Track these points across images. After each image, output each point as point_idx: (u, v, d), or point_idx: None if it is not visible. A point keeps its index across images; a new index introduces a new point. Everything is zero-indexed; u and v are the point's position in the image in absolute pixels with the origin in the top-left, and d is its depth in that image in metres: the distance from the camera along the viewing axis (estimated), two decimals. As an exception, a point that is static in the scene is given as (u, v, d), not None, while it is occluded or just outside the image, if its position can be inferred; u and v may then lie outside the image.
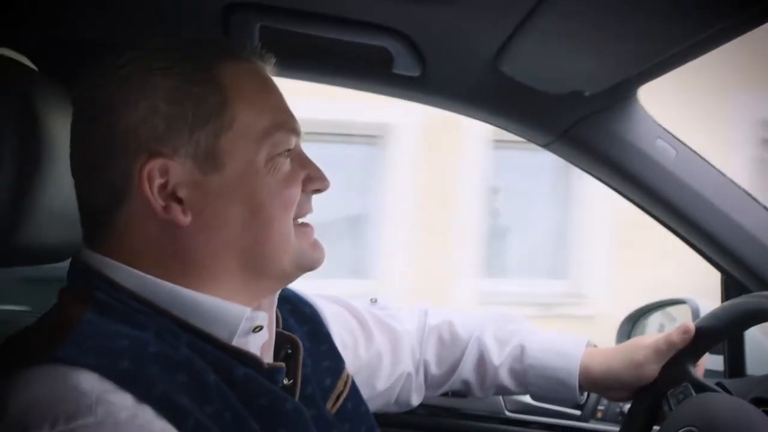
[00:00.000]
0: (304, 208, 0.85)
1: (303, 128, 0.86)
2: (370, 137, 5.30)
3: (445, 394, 1.40)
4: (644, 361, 1.10)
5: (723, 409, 0.98)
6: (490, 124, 1.30)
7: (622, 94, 1.18)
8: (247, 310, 0.78)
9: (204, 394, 0.70)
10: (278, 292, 0.88)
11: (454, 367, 1.20)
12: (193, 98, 0.76)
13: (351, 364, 1.03)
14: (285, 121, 0.82)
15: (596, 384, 1.15)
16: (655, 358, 1.10)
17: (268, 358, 0.85)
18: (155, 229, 0.77)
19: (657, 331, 1.62)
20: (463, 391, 1.24)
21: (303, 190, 0.84)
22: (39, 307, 0.83)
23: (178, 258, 0.77)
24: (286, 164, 0.82)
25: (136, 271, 0.76)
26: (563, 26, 0.95)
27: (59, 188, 0.93)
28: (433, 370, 1.21)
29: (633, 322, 1.68)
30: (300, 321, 0.99)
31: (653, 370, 1.10)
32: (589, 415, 1.50)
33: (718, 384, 1.10)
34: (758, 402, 1.19)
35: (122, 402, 0.64)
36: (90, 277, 0.77)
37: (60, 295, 0.79)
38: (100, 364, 0.66)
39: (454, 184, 5.32)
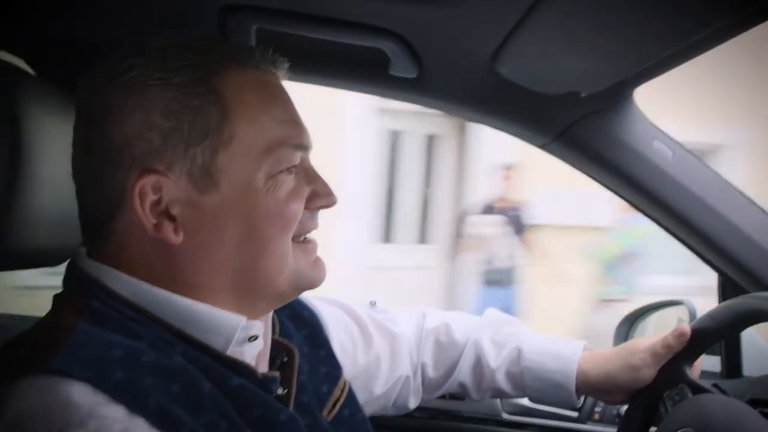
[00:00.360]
0: (307, 226, 0.83)
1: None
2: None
3: (443, 397, 1.40)
4: (641, 365, 1.10)
5: (719, 410, 0.98)
6: (487, 125, 1.30)
7: (618, 95, 1.18)
8: (243, 320, 0.77)
9: (199, 404, 0.69)
10: None
11: (451, 370, 1.20)
12: (191, 111, 0.74)
13: (349, 369, 1.03)
14: (290, 137, 0.79)
15: (593, 387, 1.15)
16: (653, 361, 1.10)
17: (263, 367, 0.85)
18: (148, 245, 0.76)
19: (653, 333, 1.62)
20: (459, 394, 1.24)
21: (307, 207, 0.81)
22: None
23: (170, 274, 0.76)
24: (288, 181, 0.79)
25: (133, 279, 0.75)
26: (559, 27, 0.95)
27: (55, 192, 0.92)
28: (431, 373, 1.21)
29: (630, 324, 1.68)
30: (298, 325, 0.98)
31: (650, 373, 1.10)
32: (586, 417, 1.51)
33: (715, 385, 1.10)
34: (755, 403, 1.19)
35: (115, 415, 0.63)
36: (86, 285, 0.76)
37: (55, 302, 0.78)
38: (93, 375, 0.65)
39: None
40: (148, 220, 0.74)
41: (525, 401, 1.52)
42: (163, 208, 0.75)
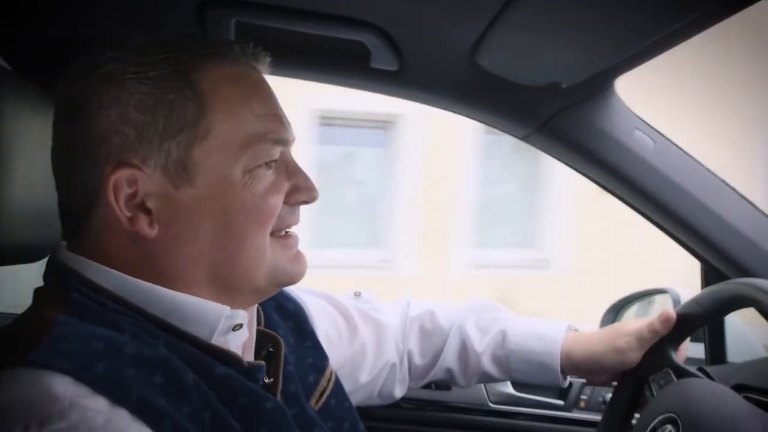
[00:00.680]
0: (287, 220, 0.82)
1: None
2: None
3: (429, 387, 1.41)
4: (626, 348, 1.11)
5: (703, 395, 0.99)
6: (469, 117, 1.30)
7: (599, 85, 1.18)
8: (227, 309, 0.78)
9: (182, 394, 0.69)
10: None
11: (437, 357, 1.21)
12: (167, 106, 0.74)
13: (335, 359, 1.03)
14: (269, 131, 0.79)
15: (578, 368, 1.17)
16: (638, 345, 1.11)
17: (249, 357, 0.85)
18: (124, 238, 0.76)
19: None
20: (446, 381, 1.25)
21: (287, 202, 0.81)
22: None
23: (148, 267, 0.76)
24: (267, 175, 0.79)
25: (114, 271, 0.75)
26: (539, 18, 0.95)
27: (33, 188, 0.92)
28: (417, 360, 1.22)
29: (616, 312, 1.69)
30: (284, 317, 0.99)
31: (636, 356, 1.12)
32: (572, 404, 1.52)
33: (700, 369, 1.11)
34: (739, 388, 1.20)
35: (97, 406, 0.64)
36: (66, 278, 0.76)
37: (35, 296, 0.78)
38: (75, 367, 0.65)
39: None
40: (123, 213, 0.74)
41: (511, 390, 1.53)
42: (139, 201, 0.75)
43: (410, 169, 6.54)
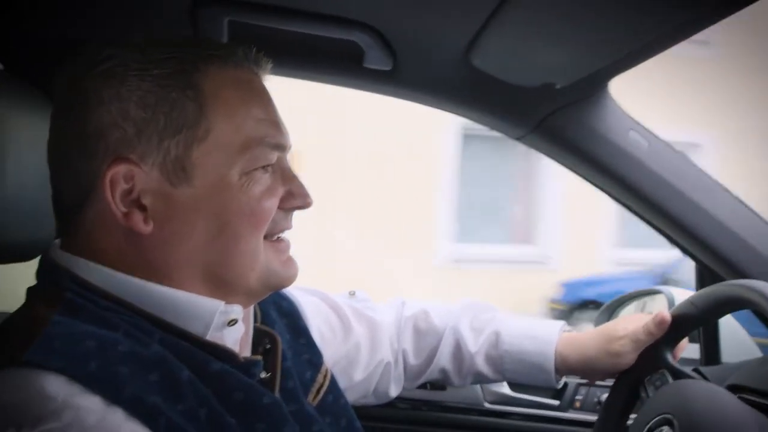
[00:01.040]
0: (280, 225, 0.83)
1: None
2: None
3: (424, 387, 1.41)
4: (621, 351, 1.11)
5: (699, 396, 0.99)
6: (463, 117, 1.30)
7: (593, 86, 1.18)
8: (221, 304, 0.78)
9: (177, 392, 0.69)
10: None
11: (432, 356, 1.21)
12: (168, 104, 0.74)
13: (329, 357, 1.03)
14: (267, 136, 0.79)
15: (572, 369, 1.17)
16: (633, 347, 1.11)
17: (246, 353, 0.85)
18: (119, 234, 0.76)
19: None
20: (441, 381, 1.25)
21: (281, 207, 0.82)
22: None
23: (142, 264, 0.76)
24: (264, 179, 0.79)
25: (106, 269, 0.75)
26: (532, 19, 0.95)
27: (25, 187, 0.92)
28: (411, 360, 1.22)
29: (610, 313, 1.69)
30: (279, 314, 0.99)
31: (631, 358, 1.12)
32: (568, 405, 1.52)
33: (695, 370, 1.11)
34: (734, 389, 1.20)
35: (90, 405, 0.64)
36: (59, 277, 0.76)
37: (28, 295, 0.78)
38: (68, 366, 0.65)
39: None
40: (118, 208, 0.74)
41: (507, 390, 1.53)
42: (135, 197, 0.75)
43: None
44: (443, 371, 1.21)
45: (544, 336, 1.16)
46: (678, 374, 1.07)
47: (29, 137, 0.88)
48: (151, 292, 0.75)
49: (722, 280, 1.28)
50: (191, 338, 0.76)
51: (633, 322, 1.13)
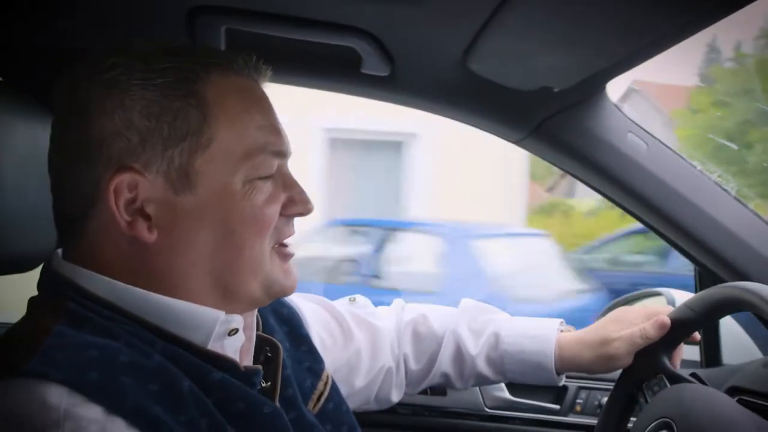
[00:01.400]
0: (283, 232, 0.83)
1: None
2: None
3: (425, 392, 1.40)
4: (616, 354, 1.11)
5: (697, 399, 0.99)
6: (462, 122, 1.30)
7: (591, 89, 1.19)
8: (222, 314, 0.78)
9: (178, 402, 0.70)
10: None
11: (433, 361, 1.21)
12: (172, 113, 0.75)
13: (330, 364, 1.03)
14: (269, 143, 0.80)
15: (569, 368, 1.17)
16: (629, 350, 1.11)
17: (247, 362, 0.85)
18: (123, 243, 0.76)
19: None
20: (443, 385, 1.25)
21: (283, 213, 0.82)
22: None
23: (146, 272, 0.76)
24: (266, 186, 0.80)
25: (108, 279, 0.75)
26: (529, 23, 0.95)
27: (24, 198, 0.92)
28: (413, 364, 1.22)
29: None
30: (279, 321, 0.99)
31: (627, 361, 1.12)
32: (568, 408, 1.51)
33: (693, 375, 1.11)
34: (735, 391, 1.20)
35: (92, 415, 0.64)
36: (61, 287, 0.76)
37: (30, 305, 0.78)
38: (69, 376, 0.65)
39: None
40: (122, 217, 0.74)
41: (507, 394, 1.52)
42: (138, 206, 0.75)
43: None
44: (445, 375, 1.21)
45: (543, 335, 1.17)
46: (676, 379, 1.07)
47: (29, 148, 0.88)
48: (153, 302, 0.75)
49: (722, 281, 1.28)
50: (192, 348, 0.76)
51: (627, 325, 1.13)
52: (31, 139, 0.85)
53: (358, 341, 1.15)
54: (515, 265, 5.76)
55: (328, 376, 0.98)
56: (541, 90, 1.16)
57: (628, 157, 1.23)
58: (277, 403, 0.83)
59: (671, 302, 1.45)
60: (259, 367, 0.83)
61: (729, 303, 1.04)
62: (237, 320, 0.80)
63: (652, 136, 1.25)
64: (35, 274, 0.82)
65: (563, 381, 1.20)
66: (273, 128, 0.82)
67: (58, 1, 1.02)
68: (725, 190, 1.27)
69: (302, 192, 0.84)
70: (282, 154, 0.82)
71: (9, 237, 0.92)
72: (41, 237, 0.93)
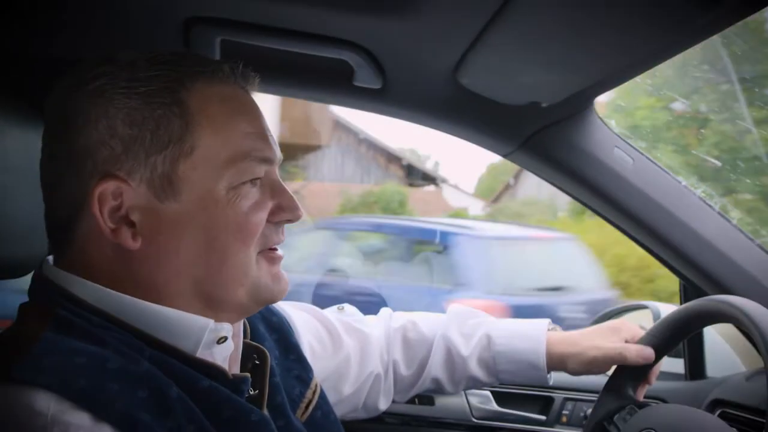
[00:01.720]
0: (271, 239, 0.83)
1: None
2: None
3: (413, 401, 1.41)
4: (593, 362, 1.14)
5: (676, 410, 1.03)
6: (452, 135, 1.31)
7: (578, 104, 1.21)
8: (211, 322, 0.78)
9: (165, 408, 0.70)
10: None
11: (423, 366, 1.21)
12: (154, 121, 0.75)
13: (319, 372, 1.04)
14: (254, 150, 0.80)
15: (557, 368, 1.19)
16: (605, 362, 1.14)
17: (235, 370, 0.85)
18: (108, 250, 0.76)
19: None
20: (434, 390, 1.25)
21: (271, 220, 0.82)
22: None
23: (131, 280, 0.77)
24: (252, 193, 0.80)
25: (98, 286, 0.76)
26: (519, 40, 0.97)
27: (17, 204, 0.92)
28: (403, 371, 1.22)
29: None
30: (269, 329, 0.99)
31: (602, 370, 1.16)
32: (555, 419, 1.53)
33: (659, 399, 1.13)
34: (717, 403, 1.22)
35: (79, 421, 0.64)
36: (51, 293, 0.76)
37: (20, 312, 0.78)
38: (57, 382, 0.65)
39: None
40: (106, 224, 0.75)
41: (494, 405, 1.54)
42: (123, 213, 0.75)
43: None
44: (435, 380, 1.22)
45: (534, 335, 1.18)
46: (643, 407, 1.09)
47: (23, 155, 0.89)
48: (142, 309, 0.76)
49: (706, 294, 1.30)
50: (181, 355, 0.76)
51: (617, 339, 1.15)
52: (26, 146, 0.86)
53: (348, 348, 1.15)
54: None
55: (316, 385, 0.98)
56: (530, 105, 1.18)
57: (614, 172, 1.25)
58: (266, 411, 0.83)
59: (657, 315, 1.47)
60: (248, 375, 0.83)
61: (687, 324, 1.09)
62: (226, 328, 0.80)
63: (638, 151, 1.27)
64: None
65: (551, 381, 1.21)
66: (260, 135, 0.81)
67: (55, 11, 1.03)
68: (709, 205, 1.29)
69: (291, 199, 0.83)
70: (269, 160, 0.82)
71: (2, 243, 0.92)
72: (34, 243, 0.94)
